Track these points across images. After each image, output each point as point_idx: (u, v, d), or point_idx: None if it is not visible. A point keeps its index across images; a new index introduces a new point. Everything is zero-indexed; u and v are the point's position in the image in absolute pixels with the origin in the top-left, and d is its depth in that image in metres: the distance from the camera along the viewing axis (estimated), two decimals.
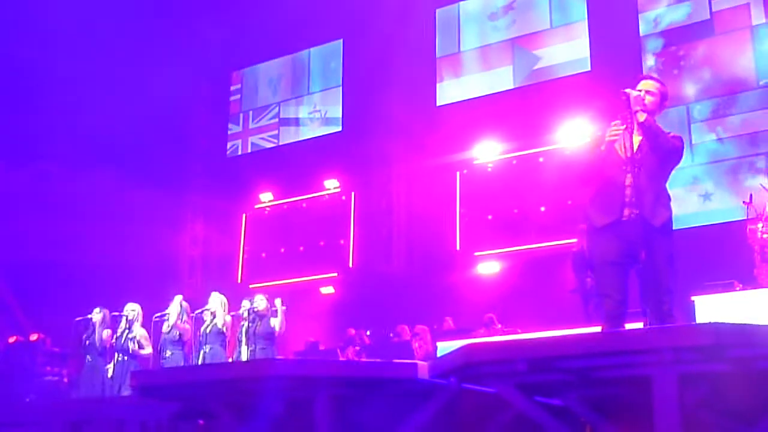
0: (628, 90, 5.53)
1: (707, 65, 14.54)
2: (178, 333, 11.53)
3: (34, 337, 14.80)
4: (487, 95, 16.84)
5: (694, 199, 14.06)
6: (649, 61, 15.10)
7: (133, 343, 11.55)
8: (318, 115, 19.20)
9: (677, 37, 14.93)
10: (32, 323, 15.67)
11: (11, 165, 17.29)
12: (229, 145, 20.51)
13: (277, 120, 19.90)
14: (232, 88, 20.88)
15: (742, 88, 14.19)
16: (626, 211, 5.36)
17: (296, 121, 19.61)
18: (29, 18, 16.89)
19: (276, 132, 19.83)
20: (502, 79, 16.77)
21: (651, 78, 5.84)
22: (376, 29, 17.32)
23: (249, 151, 20.08)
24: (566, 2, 16.48)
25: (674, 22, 15.02)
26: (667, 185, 5.60)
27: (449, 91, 17.52)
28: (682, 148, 5.62)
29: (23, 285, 16.59)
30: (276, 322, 11.14)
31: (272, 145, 19.76)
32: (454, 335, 12.53)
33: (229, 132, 20.61)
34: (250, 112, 20.38)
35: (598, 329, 5.91)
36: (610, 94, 5.85)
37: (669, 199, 5.56)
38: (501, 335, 12.09)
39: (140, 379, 5.23)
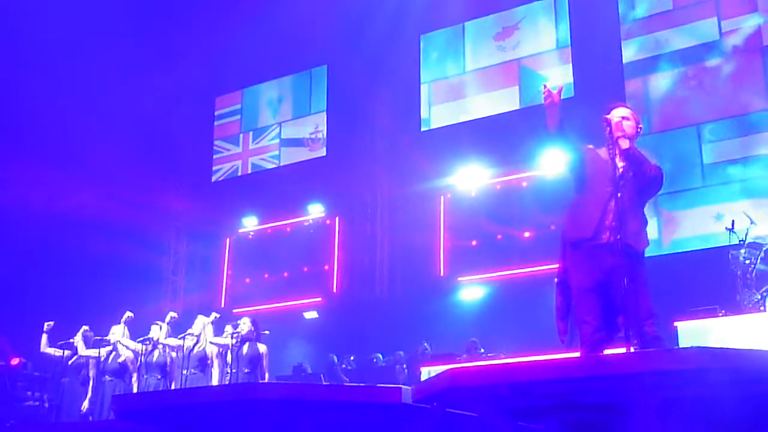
0: (610, 116, 5.57)
1: (719, 85, 14.49)
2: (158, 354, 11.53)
3: (14, 361, 14.67)
4: (471, 120, 16.89)
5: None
6: (662, 80, 15.08)
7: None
8: (321, 135, 19.16)
9: (689, 58, 14.88)
10: (13, 347, 15.54)
11: None
12: (228, 165, 20.32)
13: (278, 140, 19.83)
14: (232, 108, 20.74)
15: (751, 109, 14.12)
16: (605, 235, 5.35)
17: (298, 142, 19.50)
18: (15, 38, 16.86)
19: (277, 152, 19.72)
20: (507, 100, 16.72)
21: (623, 105, 5.88)
22: (360, 55, 17.40)
23: (249, 171, 19.91)
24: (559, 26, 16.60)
25: (686, 41, 14.97)
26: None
27: (450, 112, 17.43)
28: (662, 178, 5.64)
29: (3, 309, 16.46)
30: (264, 352, 11.11)
31: (273, 165, 19.59)
32: (437, 360, 12.50)
33: (228, 152, 20.46)
34: (251, 133, 20.27)
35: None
36: (592, 121, 5.88)
37: (646, 222, 5.63)
38: (484, 360, 12.07)
39: (122, 403, 5.19)
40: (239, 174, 20.05)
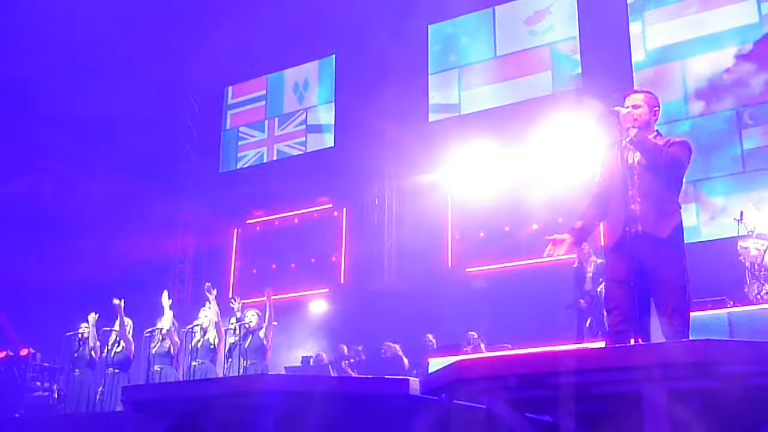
0: (617, 108, 5.53)
1: (760, 69, 14.21)
2: (168, 344, 11.51)
3: (24, 351, 14.74)
4: (481, 110, 16.88)
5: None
6: (700, 64, 14.79)
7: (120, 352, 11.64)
8: None
9: (728, 40, 14.58)
10: (22, 338, 15.61)
11: (1, 180, 17.27)
12: (253, 152, 20.24)
13: (304, 127, 19.71)
14: (256, 94, 20.65)
15: None
16: (629, 228, 5.27)
17: (324, 128, 19.41)
18: (20, 34, 16.90)
19: (303, 139, 19.63)
20: (540, 84, 16.58)
21: (636, 91, 5.82)
22: (368, 45, 17.38)
23: (275, 158, 19.85)
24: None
25: (725, 23, 14.71)
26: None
27: (480, 97, 17.25)
28: (682, 154, 5.50)
29: (13, 299, 16.53)
30: (262, 332, 11.15)
31: (299, 152, 19.51)
32: (443, 352, 12.51)
33: (254, 139, 20.36)
34: (276, 119, 20.19)
35: (588, 346, 5.89)
36: (599, 112, 5.87)
37: (675, 209, 5.46)
38: (486, 353, 12.08)
39: (132, 395, 5.21)
40: (265, 160, 19.99)
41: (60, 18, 16.34)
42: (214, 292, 11.84)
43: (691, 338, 5.05)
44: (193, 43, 17.85)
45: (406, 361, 13.58)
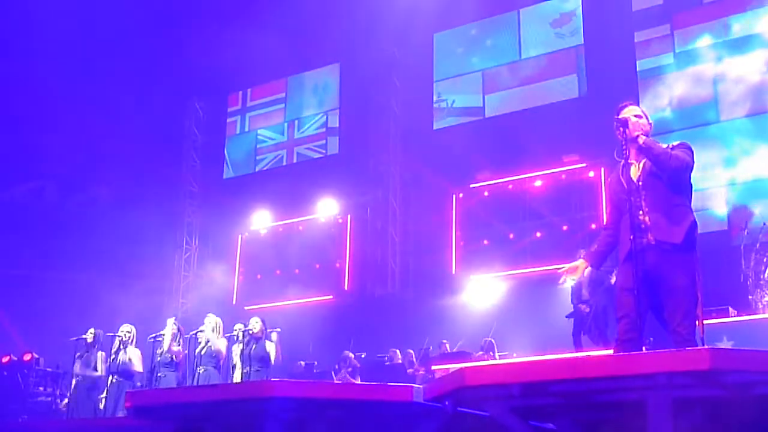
0: (623, 116, 5.54)
1: None
2: (170, 356, 11.50)
3: (27, 356, 14.76)
4: (482, 119, 16.93)
5: None
6: (735, 66, 14.69)
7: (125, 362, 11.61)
8: None
9: (760, 43, 14.56)
10: (26, 343, 15.63)
11: (5, 184, 17.31)
12: (272, 155, 20.23)
13: (324, 129, 19.68)
14: (276, 96, 20.62)
15: None
16: (635, 237, 5.26)
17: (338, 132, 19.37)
18: (25, 38, 16.95)
19: (323, 142, 19.62)
20: (565, 87, 16.48)
21: (632, 104, 5.84)
22: (373, 53, 17.40)
23: (295, 161, 19.82)
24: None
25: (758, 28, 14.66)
26: None
27: (504, 100, 17.18)
28: (687, 156, 5.50)
29: (17, 304, 16.55)
30: (271, 350, 11.15)
31: (320, 155, 19.49)
32: (449, 359, 12.49)
33: (272, 142, 20.34)
34: (295, 122, 20.17)
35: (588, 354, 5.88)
36: (603, 121, 5.88)
37: (686, 212, 5.44)
38: (496, 360, 12.06)
39: (135, 400, 5.21)
40: (284, 163, 19.96)
41: (65, 23, 16.38)
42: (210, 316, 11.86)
43: (702, 346, 5.03)
44: (197, 49, 17.88)
45: (421, 369, 13.53)
